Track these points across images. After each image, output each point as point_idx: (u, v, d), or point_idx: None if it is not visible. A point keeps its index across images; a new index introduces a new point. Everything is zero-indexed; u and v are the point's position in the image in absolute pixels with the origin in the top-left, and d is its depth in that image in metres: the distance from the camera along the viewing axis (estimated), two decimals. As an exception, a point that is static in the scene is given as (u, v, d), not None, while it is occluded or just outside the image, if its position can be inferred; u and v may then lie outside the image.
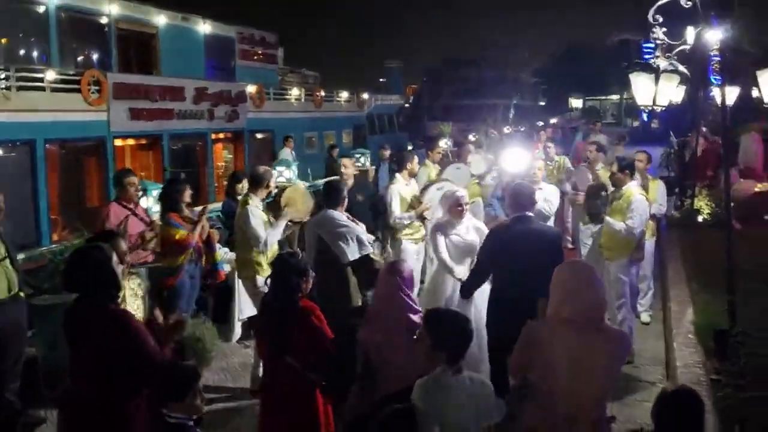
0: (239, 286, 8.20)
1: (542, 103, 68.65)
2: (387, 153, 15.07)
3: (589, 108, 69.95)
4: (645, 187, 8.48)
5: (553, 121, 41.57)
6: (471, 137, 20.26)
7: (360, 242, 6.25)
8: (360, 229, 6.45)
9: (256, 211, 7.02)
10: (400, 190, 8.45)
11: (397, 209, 8.30)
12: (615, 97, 69.16)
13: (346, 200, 6.61)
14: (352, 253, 6.17)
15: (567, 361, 3.65)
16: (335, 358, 4.53)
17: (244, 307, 8.17)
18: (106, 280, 3.98)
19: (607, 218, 7.44)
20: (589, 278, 3.84)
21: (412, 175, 8.85)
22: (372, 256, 6.38)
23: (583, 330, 3.67)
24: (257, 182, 7.16)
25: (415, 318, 4.47)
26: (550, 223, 8.36)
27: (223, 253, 8.76)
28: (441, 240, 6.78)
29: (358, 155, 17.80)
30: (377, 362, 4.44)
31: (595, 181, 8.58)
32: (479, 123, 38.38)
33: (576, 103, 68.97)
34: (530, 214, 5.90)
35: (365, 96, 34.26)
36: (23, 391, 6.31)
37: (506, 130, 31.86)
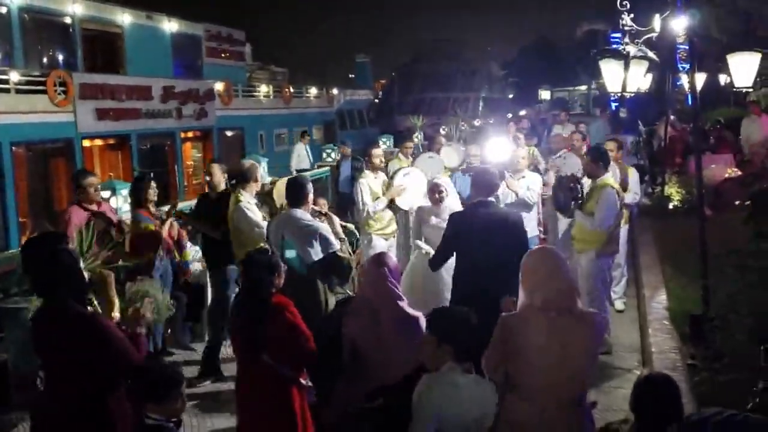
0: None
1: (511, 96, 68.87)
2: (348, 150, 15.05)
3: (557, 99, 70.29)
4: (623, 174, 8.48)
5: (522, 113, 41.72)
6: (442, 130, 20.26)
7: (325, 241, 6.09)
8: (325, 226, 6.30)
9: (251, 205, 6.89)
10: (370, 183, 8.40)
11: (369, 201, 8.25)
12: (583, 87, 69.57)
13: (311, 197, 6.46)
14: (316, 253, 6.02)
15: (544, 348, 3.63)
16: (320, 351, 4.49)
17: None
18: (74, 282, 3.88)
19: (577, 211, 7.29)
20: (555, 265, 3.83)
21: (378, 168, 8.73)
22: (339, 253, 6.23)
23: (557, 316, 3.66)
24: (245, 177, 7.01)
25: (403, 305, 4.46)
26: (534, 211, 8.33)
27: (193, 252, 8.66)
28: (418, 226, 7.13)
29: (328, 151, 17.78)
30: (364, 351, 4.41)
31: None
32: (449, 116, 38.44)
33: (545, 94, 69.27)
34: (491, 199, 5.98)
35: (335, 91, 34.19)
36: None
37: (476, 122, 31.91)
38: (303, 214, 6.09)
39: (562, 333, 3.63)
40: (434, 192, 7.25)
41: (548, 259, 3.90)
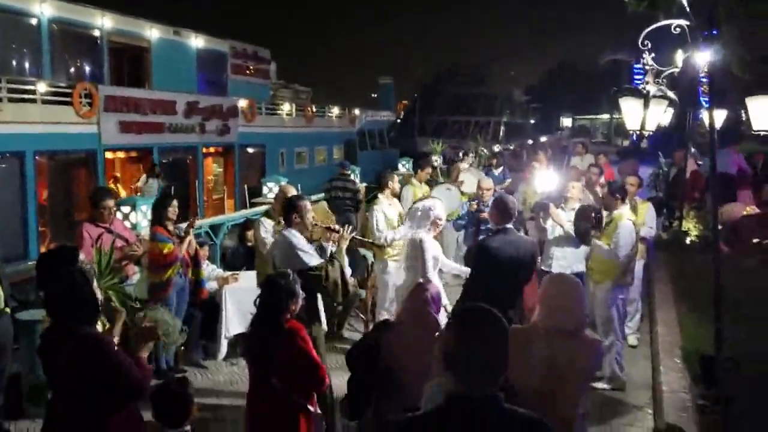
0: (226, 303, 8.19)
1: (533, 121, 68.91)
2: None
3: (579, 127, 70.25)
4: (634, 209, 8.48)
5: (543, 139, 41.74)
6: (462, 154, 20.31)
7: (299, 257, 5.90)
8: (302, 242, 5.95)
9: (266, 223, 7.48)
10: (384, 210, 8.41)
11: (384, 229, 8.24)
12: (605, 116, 69.51)
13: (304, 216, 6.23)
14: (311, 260, 5.92)
15: (543, 363, 3.81)
16: (358, 369, 4.61)
17: (231, 324, 8.15)
18: (85, 303, 3.90)
19: (594, 240, 7.45)
20: (570, 292, 4.04)
21: (395, 195, 8.76)
22: (313, 270, 6.00)
23: (559, 336, 3.86)
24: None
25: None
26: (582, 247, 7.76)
27: (210, 270, 8.73)
28: (431, 256, 6.94)
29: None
30: (399, 372, 4.49)
31: (596, 202, 8.48)
32: (470, 140, 38.54)
33: (566, 121, 69.31)
34: (510, 226, 6.14)
35: (356, 112, 34.35)
36: (6, 407, 6.27)
37: (496, 148, 31.91)
38: (289, 232, 5.98)
39: (561, 351, 3.83)
40: (438, 219, 7.20)
41: (562, 285, 4.12)
